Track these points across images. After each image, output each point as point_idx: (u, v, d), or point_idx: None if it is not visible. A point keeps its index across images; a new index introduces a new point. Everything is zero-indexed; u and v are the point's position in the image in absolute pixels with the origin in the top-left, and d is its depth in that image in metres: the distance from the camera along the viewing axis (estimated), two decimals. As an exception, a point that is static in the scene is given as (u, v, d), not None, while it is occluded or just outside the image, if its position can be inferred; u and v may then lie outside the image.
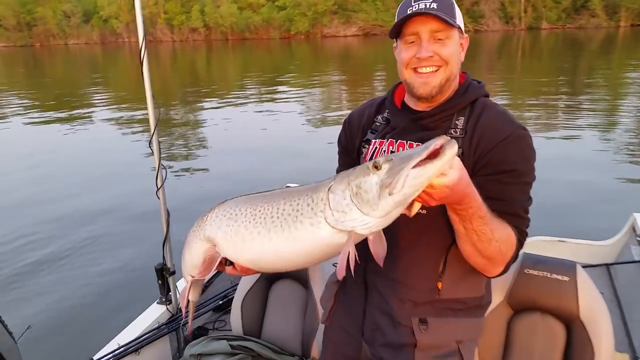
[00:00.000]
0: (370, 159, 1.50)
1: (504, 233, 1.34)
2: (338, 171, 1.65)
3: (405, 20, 1.39)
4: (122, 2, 63.89)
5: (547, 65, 26.01)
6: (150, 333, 2.57)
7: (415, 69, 1.42)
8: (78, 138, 11.93)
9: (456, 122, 1.44)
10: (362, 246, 1.55)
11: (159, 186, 2.61)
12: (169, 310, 2.75)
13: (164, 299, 2.77)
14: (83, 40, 70.02)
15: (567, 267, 2.13)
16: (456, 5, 1.43)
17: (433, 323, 1.50)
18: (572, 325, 2.05)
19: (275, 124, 13.00)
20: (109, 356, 2.36)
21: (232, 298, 3.01)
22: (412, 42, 1.41)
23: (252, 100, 16.98)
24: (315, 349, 2.34)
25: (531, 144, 1.42)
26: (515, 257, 1.44)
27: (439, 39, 1.38)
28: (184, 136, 12.30)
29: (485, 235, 1.29)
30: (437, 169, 1.04)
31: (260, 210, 1.28)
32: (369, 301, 1.60)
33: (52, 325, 4.01)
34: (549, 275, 2.12)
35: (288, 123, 13.08)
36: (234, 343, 2.37)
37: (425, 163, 1.04)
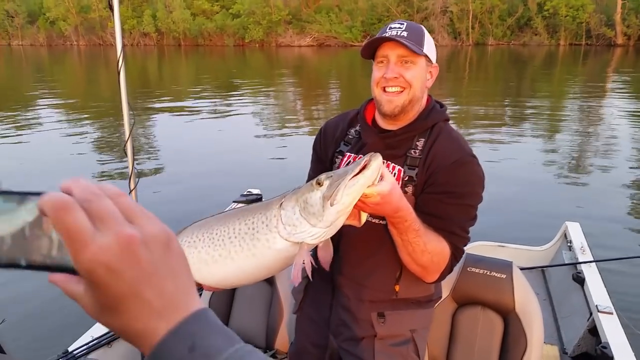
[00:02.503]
0: None
1: (437, 246, 1.53)
2: (309, 176, 1.82)
3: (377, 43, 1.56)
4: (70, 5, 62.00)
5: (493, 77, 27.15)
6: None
7: (384, 88, 1.57)
8: (32, 144, 11.58)
9: (417, 143, 1.60)
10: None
11: (131, 188, 2.71)
12: None
13: None
14: (28, 42, 67.39)
15: (505, 265, 2.39)
16: (428, 37, 1.60)
17: (389, 316, 1.70)
18: (509, 318, 2.30)
19: (229, 132, 13.02)
20: (82, 348, 2.42)
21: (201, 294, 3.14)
22: (382, 62, 1.57)
23: (205, 106, 16.84)
24: (279, 342, 2.50)
25: (477, 170, 1.60)
26: (450, 268, 1.64)
27: (405, 62, 1.54)
28: (139, 138, 12.23)
29: (418, 246, 1.47)
30: (366, 178, 1.21)
31: (217, 234, 1.35)
32: (335, 297, 1.79)
33: (25, 319, 4.00)
34: (488, 273, 2.37)
35: (242, 130, 13.11)
36: None
37: (355, 175, 1.21)
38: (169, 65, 37.98)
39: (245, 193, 4.48)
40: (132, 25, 60.97)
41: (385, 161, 1.53)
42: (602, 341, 2.67)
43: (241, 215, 1.34)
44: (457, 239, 1.58)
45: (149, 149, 11.25)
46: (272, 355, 2.53)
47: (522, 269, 2.77)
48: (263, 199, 4.30)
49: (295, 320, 2.00)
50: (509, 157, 9.87)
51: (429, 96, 1.70)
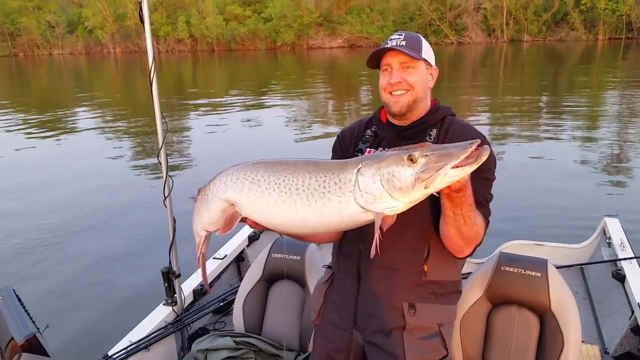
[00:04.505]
0: None
1: (479, 218, 1.56)
2: None
3: (380, 54, 1.74)
4: (107, 14, 63.78)
5: (529, 73, 26.59)
6: (159, 331, 2.71)
7: (390, 92, 1.73)
8: (77, 149, 11.94)
9: (430, 133, 1.75)
10: (356, 241, 1.75)
11: (166, 195, 2.77)
12: (175, 311, 2.90)
13: (169, 301, 2.91)
14: (68, 50, 69.68)
15: (539, 264, 2.34)
16: (425, 43, 1.77)
17: (420, 307, 1.73)
18: (545, 317, 2.25)
19: (261, 134, 13.17)
20: (122, 352, 2.49)
21: (232, 301, 3.16)
22: (386, 70, 1.74)
23: (238, 110, 17.09)
24: (312, 345, 2.52)
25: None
26: (481, 240, 1.66)
27: (407, 68, 1.70)
28: (172, 144, 12.47)
29: (470, 219, 1.48)
30: (471, 169, 1.20)
31: (284, 180, 1.37)
32: (362, 291, 1.80)
33: (67, 325, 4.13)
34: (523, 272, 2.32)
35: (274, 133, 13.25)
36: (238, 339, 2.53)
37: (462, 164, 1.18)
38: (203, 70, 38.66)
39: None
40: (167, 32, 62.33)
41: None
42: None
43: (312, 169, 1.36)
44: (484, 210, 1.64)
45: (184, 152, 11.46)
46: (306, 358, 2.54)
47: (558, 267, 2.71)
48: None
49: (314, 330, 2.02)
50: (545, 154, 9.65)
51: (435, 99, 1.84)
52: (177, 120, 15.73)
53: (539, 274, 2.28)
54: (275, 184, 1.39)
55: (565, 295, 2.25)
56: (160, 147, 2.70)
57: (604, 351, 3.00)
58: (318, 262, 2.64)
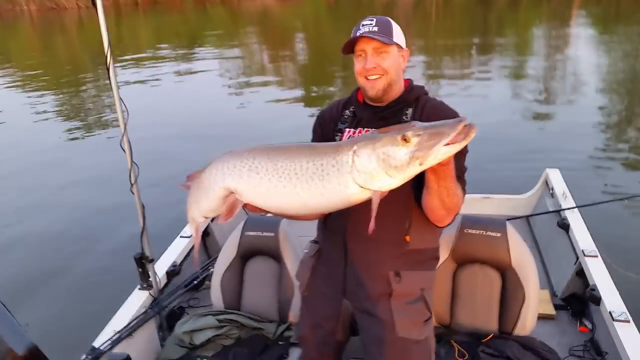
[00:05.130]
0: None
1: (459, 189, 1.66)
2: None
3: (354, 41, 1.81)
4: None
5: (460, 21, 27.00)
6: (139, 317, 2.71)
7: (366, 77, 1.81)
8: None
9: (406, 112, 1.85)
10: (341, 218, 1.82)
11: (132, 182, 2.72)
12: (151, 295, 2.91)
13: (144, 285, 2.91)
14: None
15: (499, 224, 2.52)
16: (395, 27, 1.84)
17: (404, 275, 1.86)
18: (506, 272, 2.45)
19: (194, 94, 12.72)
20: (107, 342, 2.48)
21: (203, 279, 3.23)
22: (360, 55, 1.81)
23: (168, 69, 16.40)
24: (292, 315, 2.62)
25: None
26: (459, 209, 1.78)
27: (380, 53, 1.78)
28: (99, 106, 11.96)
29: (452, 190, 1.58)
30: (461, 146, 1.28)
31: (281, 166, 1.42)
32: (349, 262, 1.90)
33: (44, 319, 4.03)
34: (484, 233, 2.50)
35: (208, 92, 12.84)
36: (220, 317, 2.60)
37: (453, 141, 1.26)
38: (127, 25, 36.51)
39: None
40: (84, -16, 58.03)
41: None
42: (590, 283, 2.87)
43: (308, 153, 1.42)
44: (462, 182, 1.74)
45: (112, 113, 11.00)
46: (287, 328, 2.64)
47: (508, 219, 2.90)
48: None
49: (303, 301, 2.11)
50: (479, 103, 9.97)
51: (408, 79, 1.93)
52: (105, 80, 14.99)
53: (499, 234, 2.46)
54: (274, 169, 1.43)
55: (524, 252, 2.45)
56: (122, 135, 2.64)
57: (553, 294, 3.27)
58: (291, 237, 2.71)
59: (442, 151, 1.28)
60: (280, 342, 2.57)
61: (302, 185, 1.40)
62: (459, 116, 1.69)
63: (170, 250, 3.36)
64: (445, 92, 11.06)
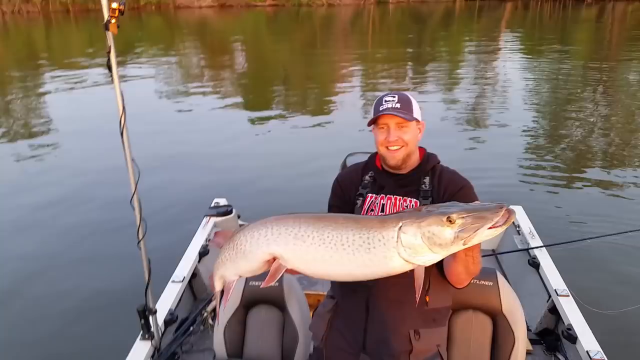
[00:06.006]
0: (368, 208, 2.03)
1: (480, 255, 1.77)
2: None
3: (378, 115, 1.98)
4: None
5: (395, 39, 27.83)
6: None
7: (387, 147, 2.00)
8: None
9: (424, 180, 2.03)
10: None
11: (140, 238, 2.72)
12: (153, 345, 2.92)
13: (146, 336, 2.91)
14: None
15: (490, 274, 2.68)
16: (415, 103, 2.03)
17: (423, 333, 1.99)
18: (497, 318, 2.60)
19: (131, 103, 12.38)
20: None
21: (195, 322, 3.31)
22: (383, 128, 2.00)
23: (102, 78, 15.77)
24: None
25: (473, 191, 2.04)
26: None
27: (402, 127, 1.97)
28: (24, 118, 11.44)
29: (477, 259, 1.71)
30: (502, 230, 1.42)
31: (328, 236, 1.53)
32: (370, 320, 2.01)
33: None
34: (477, 282, 2.64)
35: (144, 102, 12.43)
36: None
37: (495, 226, 1.39)
38: (57, 34, 35.08)
39: (213, 205, 4.49)
40: (10, -11, 55.27)
41: (402, 197, 2.00)
42: (565, 323, 3.13)
43: (353, 226, 1.53)
44: None
45: (42, 128, 10.57)
46: None
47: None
48: (233, 211, 4.38)
49: (318, 353, 2.19)
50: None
51: (422, 148, 2.14)
52: (31, 92, 14.34)
53: (490, 283, 2.62)
54: (320, 239, 1.54)
55: (513, 299, 2.61)
56: (133, 192, 2.67)
57: (527, 328, 3.44)
58: (295, 286, 2.76)
59: (485, 233, 1.41)
60: None
61: (348, 256, 1.51)
62: (470, 184, 2.02)
63: (165, 297, 3.36)
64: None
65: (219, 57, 21.48)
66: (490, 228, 1.39)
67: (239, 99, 13.62)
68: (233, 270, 1.75)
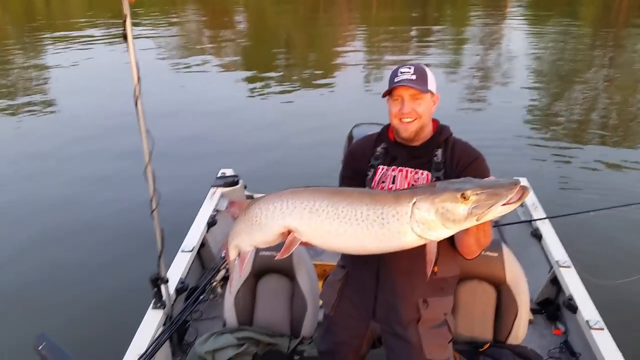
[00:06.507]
0: (380, 180, 2.04)
1: (491, 227, 1.80)
2: (343, 183, 2.16)
3: (393, 87, 1.97)
4: None
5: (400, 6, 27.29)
6: (157, 339, 2.74)
7: (400, 119, 1.98)
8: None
9: (436, 152, 2.02)
10: None
11: (153, 208, 2.74)
12: (165, 313, 2.97)
13: (159, 304, 2.96)
14: None
15: (496, 245, 2.72)
16: (430, 75, 2.01)
17: (431, 301, 2.04)
18: (501, 288, 2.66)
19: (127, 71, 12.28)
20: None
21: (205, 291, 3.35)
22: (397, 100, 1.98)
23: (102, 41, 15.68)
24: (305, 330, 2.72)
25: (486, 163, 2.04)
26: None
27: (416, 99, 1.95)
28: (25, 80, 11.38)
29: (488, 231, 1.73)
30: (516, 206, 1.42)
31: (342, 210, 1.54)
32: (381, 289, 2.06)
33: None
34: (483, 252, 2.67)
35: (145, 69, 12.27)
36: (238, 335, 2.65)
37: (509, 202, 1.40)
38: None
39: (220, 175, 4.47)
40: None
41: (413, 169, 1.99)
42: (566, 293, 3.19)
43: (368, 200, 1.54)
44: None
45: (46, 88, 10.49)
46: (300, 342, 2.72)
47: None
48: (240, 181, 4.38)
49: (328, 320, 2.25)
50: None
51: (435, 120, 2.12)
52: (34, 54, 14.20)
53: (496, 254, 2.66)
54: (334, 213, 1.55)
55: (517, 270, 2.67)
56: (146, 164, 2.66)
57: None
58: (305, 256, 2.80)
59: (499, 210, 1.42)
60: (296, 357, 2.65)
61: (362, 230, 1.52)
62: (482, 156, 2.02)
63: (175, 267, 3.40)
64: (387, 77, 11.10)
65: (220, 25, 21.05)
66: (504, 205, 1.40)
67: (242, 68, 13.44)
68: (248, 241, 1.77)
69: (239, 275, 1.93)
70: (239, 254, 1.84)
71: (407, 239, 1.51)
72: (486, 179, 1.53)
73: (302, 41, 17.39)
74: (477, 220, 1.44)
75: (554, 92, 10.62)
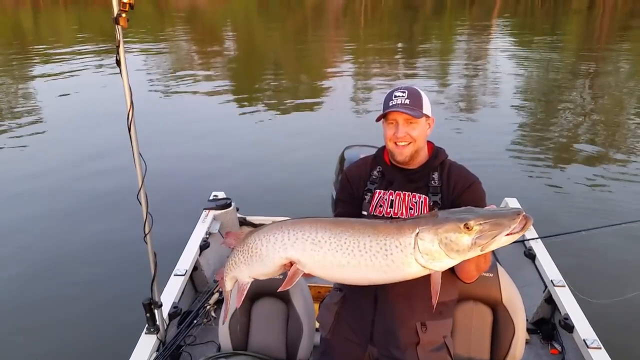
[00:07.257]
0: (377, 204, 2.04)
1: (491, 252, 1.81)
2: (338, 207, 2.16)
3: (387, 112, 1.98)
4: None
5: (387, 28, 27.69)
6: None
7: (395, 143, 2.00)
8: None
9: (433, 176, 2.04)
10: None
11: (146, 232, 2.72)
12: (159, 338, 2.93)
13: (152, 329, 2.92)
14: None
15: (491, 266, 2.63)
16: (425, 98, 2.03)
17: (430, 325, 2.02)
18: (497, 309, 2.64)
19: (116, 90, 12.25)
20: None
21: (199, 315, 3.34)
22: (392, 123, 1.99)
23: (91, 65, 15.59)
24: (301, 354, 2.67)
25: (482, 187, 2.05)
26: None
27: (410, 123, 1.97)
28: (11, 108, 11.25)
29: (488, 257, 1.71)
30: (518, 237, 1.42)
31: (345, 242, 1.53)
32: (379, 313, 2.04)
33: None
34: None
35: (136, 91, 12.26)
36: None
37: (512, 232, 1.39)
38: (46, 18, 34.44)
39: (212, 198, 4.46)
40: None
41: (410, 192, 2.00)
42: (562, 313, 3.19)
43: (370, 232, 1.53)
44: None
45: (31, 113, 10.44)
46: None
47: None
48: (232, 204, 4.36)
49: (325, 343, 2.22)
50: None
51: (430, 142, 2.14)
52: (20, 79, 14.12)
53: (491, 275, 2.65)
54: (337, 245, 1.54)
55: (513, 290, 2.65)
56: (140, 187, 2.65)
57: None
58: (300, 279, 2.72)
59: (503, 240, 1.41)
60: None
61: (365, 262, 1.52)
62: (478, 180, 2.03)
63: (168, 291, 3.37)
64: (377, 97, 11.28)
65: (209, 44, 21.21)
66: (507, 235, 1.39)
67: (232, 89, 13.44)
68: (247, 272, 1.75)
69: (236, 306, 1.88)
70: (239, 286, 1.81)
71: (411, 270, 1.50)
72: (487, 207, 1.53)
73: (291, 60, 17.51)
74: (481, 250, 1.44)
75: (542, 112, 10.74)
